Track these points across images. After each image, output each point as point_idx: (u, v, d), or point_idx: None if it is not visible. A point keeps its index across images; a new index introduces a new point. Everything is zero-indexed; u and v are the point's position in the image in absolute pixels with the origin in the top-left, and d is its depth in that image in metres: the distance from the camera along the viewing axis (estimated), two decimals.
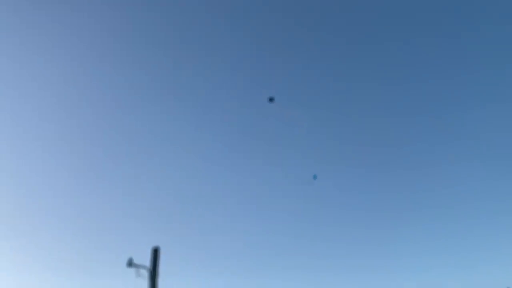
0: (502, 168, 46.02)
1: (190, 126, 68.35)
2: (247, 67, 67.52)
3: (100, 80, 69.24)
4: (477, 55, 54.73)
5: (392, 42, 58.95)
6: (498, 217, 43.82)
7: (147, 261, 16.00)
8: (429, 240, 43.58)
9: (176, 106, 69.45)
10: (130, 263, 15.46)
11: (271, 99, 21.03)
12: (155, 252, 16.08)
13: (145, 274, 15.67)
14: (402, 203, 49.34)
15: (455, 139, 53.11)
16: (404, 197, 49.51)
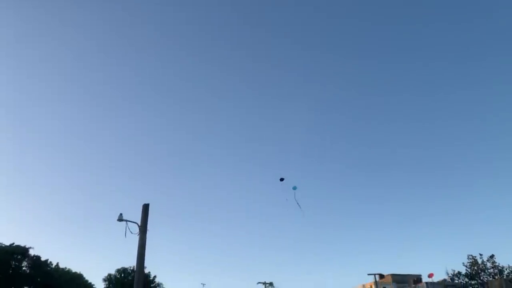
0: None
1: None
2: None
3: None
4: None
5: None
6: None
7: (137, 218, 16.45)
8: None
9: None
10: (121, 218, 15.89)
11: (281, 179, 21.88)
12: (145, 209, 16.46)
13: (135, 229, 16.10)
14: None
15: None
16: None
